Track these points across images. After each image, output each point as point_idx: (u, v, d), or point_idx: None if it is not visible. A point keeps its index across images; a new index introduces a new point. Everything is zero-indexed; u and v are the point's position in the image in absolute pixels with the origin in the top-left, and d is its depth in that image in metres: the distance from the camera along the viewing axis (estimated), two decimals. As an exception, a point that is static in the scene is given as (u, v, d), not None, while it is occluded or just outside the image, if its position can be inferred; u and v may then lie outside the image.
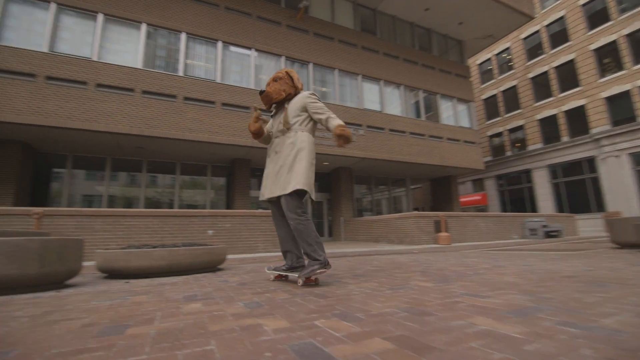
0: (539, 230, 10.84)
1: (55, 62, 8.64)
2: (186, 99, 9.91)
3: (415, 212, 9.87)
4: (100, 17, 9.46)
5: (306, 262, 2.40)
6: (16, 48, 8.36)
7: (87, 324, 1.32)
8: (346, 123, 12.34)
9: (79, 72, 8.80)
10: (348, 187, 14.00)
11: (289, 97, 2.53)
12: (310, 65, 12.46)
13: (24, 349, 1.01)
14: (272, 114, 2.68)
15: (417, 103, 15.01)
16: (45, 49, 8.70)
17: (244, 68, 11.33)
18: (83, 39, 9.31)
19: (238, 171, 11.85)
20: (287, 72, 2.56)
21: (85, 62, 8.96)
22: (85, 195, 11.11)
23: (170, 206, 11.85)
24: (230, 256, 6.07)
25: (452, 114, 15.92)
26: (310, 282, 2.30)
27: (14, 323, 1.35)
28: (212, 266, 3.65)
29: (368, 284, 2.24)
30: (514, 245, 8.18)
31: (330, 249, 7.71)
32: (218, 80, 10.63)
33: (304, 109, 2.46)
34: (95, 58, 9.16)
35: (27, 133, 8.73)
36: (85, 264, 5.14)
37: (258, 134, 2.54)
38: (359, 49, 13.73)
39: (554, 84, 19.07)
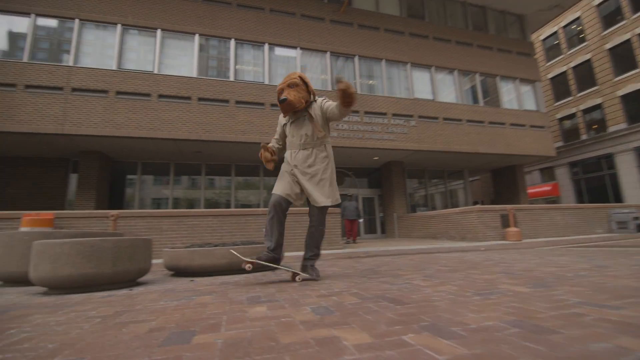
0: (629, 223, 9.33)
1: (123, 78, 9.47)
2: (237, 102, 10.24)
3: (478, 206, 9.06)
4: (159, 33, 10.16)
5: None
6: (92, 68, 9.32)
7: (154, 328, 1.25)
8: (396, 115, 11.83)
9: (143, 85, 9.55)
10: (400, 181, 13.42)
11: (307, 105, 2.52)
12: (356, 59, 12.14)
13: (92, 357, 0.95)
14: (289, 121, 2.61)
15: (473, 88, 13.85)
16: (114, 67, 9.58)
17: (290, 68, 11.39)
18: (145, 55, 10.08)
19: (289, 170, 11.97)
20: (301, 78, 2.49)
21: (148, 76, 9.69)
22: (154, 199, 12.09)
23: (228, 206, 12.39)
24: (286, 254, 6.10)
25: (515, 96, 14.43)
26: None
27: (86, 325, 1.34)
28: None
29: (445, 287, 1.95)
30: (601, 240, 7.08)
31: (386, 246, 7.38)
32: (266, 82, 10.82)
33: (325, 116, 2.52)
34: (156, 71, 9.87)
35: (102, 144, 9.71)
36: (155, 261, 5.52)
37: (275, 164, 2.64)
38: (407, 36, 13.05)
39: (639, 53, 16.32)
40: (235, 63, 10.76)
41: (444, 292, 1.82)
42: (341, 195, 13.83)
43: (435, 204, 15.26)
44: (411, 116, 12.14)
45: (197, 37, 10.49)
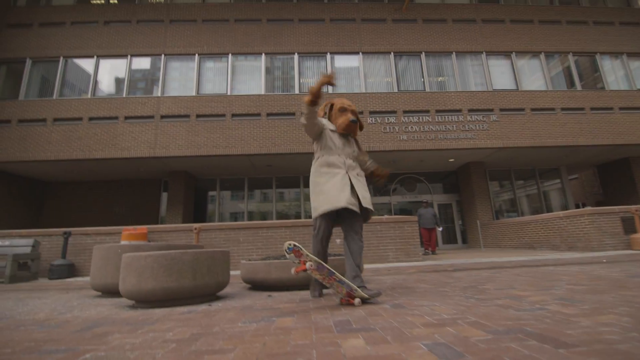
0: None
1: (202, 102, 10.31)
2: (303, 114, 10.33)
3: (590, 208, 7.49)
4: (230, 58, 10.89)
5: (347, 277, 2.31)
6: (176, 96, 10.36)
7: (231, 364, 1.01)
8: (473, 110, 10.73)
9: (218, 107, 10.27)
10: (482, 184, 12.01)
11: None
12: (422, 55, 11.39)
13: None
14: (336, 135, 2.54)
15: (567, 70, 11.89)
16: (194, 93, 10.50)
17: (352, 77, 11.17)
18: (219, 79, 10.87)
19: (357, 178, 11.63)
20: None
21: (222, 98, 10.39)
22: (231, 213, 12.83)
23: (298, 217, 12.51)
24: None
25: (623, 74, 11.97)
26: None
27: (160, 352, 1.15)
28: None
29: (608, 318, 1.38)
30: None
31: (474, 257, 6.46)
32: (330, 91, 10.76)
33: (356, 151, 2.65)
34: (229, 92, 10.55)
35: (187, 164, 10.63)
36: (233, 273, 5.64)
37: (317, 101, 2.29)
38: (479, 24, 11.86)
39: None
40: (300, 77, 10.95)
41: (613, 325, 1.26)
42: (415, 202, 13.05)
43: (524, 208, 13.30)
44: (491, 110, 10.85)
45: (263, 56, 10.98)
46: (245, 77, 10.99)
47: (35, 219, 12.01)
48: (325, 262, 2.43)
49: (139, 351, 1.21)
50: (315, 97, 2.24)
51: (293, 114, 10.32)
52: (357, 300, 2.04)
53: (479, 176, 12.07)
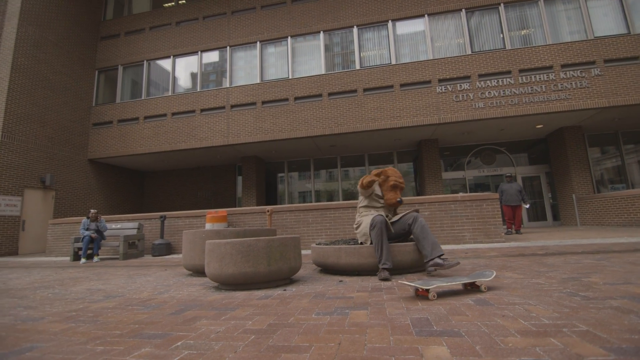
0: None
1: (265, 88, 10.63)
2: (365, 90, 9.96)
3: None
4: (289, 40, 10.92)
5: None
6: (243, 86, 10.86)
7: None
8: (567, 65, 9.14)
9: (281, 91, 10.48)
10: (580, 152, 10.29)
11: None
12: (501, 7, 9.90)
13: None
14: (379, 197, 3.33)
15: None
16: (258, 80, 10.87)
17: (417, 44, 10.28)
18: (280, 64, 11.03)
19: (425, 153, 10.95)
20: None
21: (285, 82, 10.56)
22: (299, 192, 13.31)
23: (364, 196, 12.39)
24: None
25: None
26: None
27: (240, 345, 1.20)
28: (421, 264, 3.10)
29: None
30: None
31: (570, 238, 5.61)
32: (393, 62, 10.12)
33: None
34: (290, 76, 10.66)
35: (256, 149, 11.22)
36: (305, 252, 5.87)
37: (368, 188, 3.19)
38: (577, -42, 9.76)
39: None
40: (360, 51, 10.49)
41: None
42: (495, 176, 11.84)
43: (635, 178, 11.04)
44: (592, 63, 9.05)
45: (321, 34, 10.75)
46: (305, 57, 10.94)
47: (139, 204, 14.10)
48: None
49: (222, 342, 1.28)
50: (367, 187, 3.10)
51: (355, 91, 10.02)
52: (431, 294, 1.91)
53: (575, 143, 10.34)
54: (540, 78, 9.12)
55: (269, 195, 13.28)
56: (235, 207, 13.18)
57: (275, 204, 13.19)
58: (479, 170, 11.93)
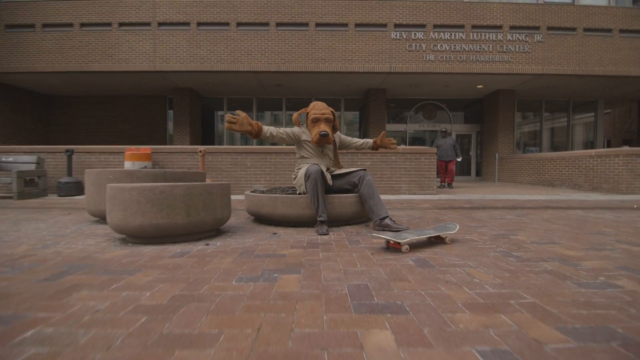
0: None
1: (202, 6, 9.01)
2: (318, 25, 9.06)
3: (627, 148, 6.81)
4: (232, -51, 9.15)
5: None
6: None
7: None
8: (515, 27, 9.29)
9: (221, 13, 9.00)
10: (508, 115, 11.09)
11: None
12: (465, -47, 9.37)
13: None
14: (307, 139, 2.95)
15: (639, -21, 9.81)
16: (193, -5, 9.14)
17: (379, -25, 9.42)
18: (221, -23, 9.33)
19: (373, 103, 10.79)
20: (332, 114, 2.90)
21: (226, 2, 9.04)
22: (243, 135, 12.44)
23: (308, 143, 12.09)
24: None
25: None
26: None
27: (120, 335, 0.87)
28: (361, 217, 2.99)
29: None
30: None
31: (491, 193, 6.12)
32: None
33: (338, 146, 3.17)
34: (232, -5, 9.14)
35: (191, 79, 9.85)
36: (238, 197, 5.53)
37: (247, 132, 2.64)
38: None
39: None
40: (315, -23, 9.29)
41: None
42: (433, 131, 12.33)
43: (545, 142, 12.46)
44: (537, 28, 9.32)
45: (272, -52, 9.18)
46: (252, -24, 9.39)
47: (43, 134, 11.89)
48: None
49: (95, 330, 0.92)
50: (241, 130, 2.52)
51: (306, 24, 9.05)
52: (404, 247, 1.88)
53: (506, 106, 11.06)
54: (489, 37, 9.18)
55: (207, 135, 12.20)
56: (166, 145, 11.90)
57: (213, 144, 12.22)
58: (420, 125, 12.28)
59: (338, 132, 3.09)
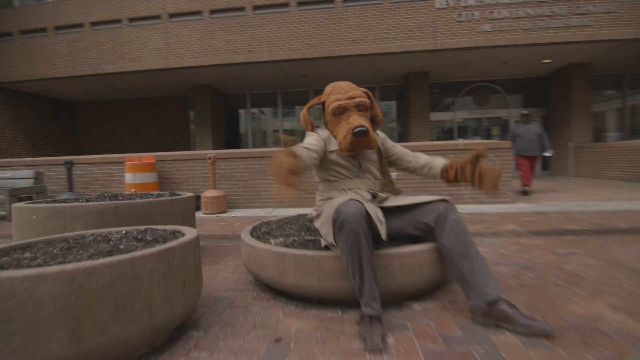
0: None
1: (215, -8, 8.03)
2: (346, 0, 7.72)
3: None
4: None
5: None
6: (183, -13, 8.15)
7: None
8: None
9: (236, -3, 7.97)
10: (583, 95, 9.04)
11: None
12: None
13: None
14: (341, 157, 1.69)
15: None
16: (205, -20, 8.18)
17: None
18: (234, -44, 8.27)
19: (413, 89, 9.25)
20: (368, 95, 1.61)
21: (240, -16, 7.98)
22: (264, 132, 11.46)
23: (340, 139, 10.81)
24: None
25: None
26: None
27: None
28: (439, 285, 1.70)
29: None
30: None
31: (575, 198, 4.46)
32: (383, -37, 7.76)
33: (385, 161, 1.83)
34: (248, -24, 8.05)
35: (207, 75, 8.95)
36: (251, 213, 4.43)
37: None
38: None
39: None
40: (341, -55, 7.93)
41: None
42: (491, 119, 10.41)
43: (626, 127, 10.12)
44: (628, -22, 7.27)
45: None
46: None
47: (72, 143, 11.71)
48: None
49: None
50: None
51: (332, 0, 7.74)
52: None
53: (582, 83, 9.01)
54: (562, -4, 7.30)
55: (232, 135, 11.35)
56: (189, 148, 11.23)
57: (239, 146, 11.35)
58: (469, 112, 10.52)
59: (381, 133, 1.78)
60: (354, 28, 7.64)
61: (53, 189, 5.67)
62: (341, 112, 1.52)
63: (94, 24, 8.47)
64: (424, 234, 1.52)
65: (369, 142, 1.47)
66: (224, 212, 4.84)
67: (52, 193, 5.64)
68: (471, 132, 10.59)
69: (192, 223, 2.41)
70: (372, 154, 1.66)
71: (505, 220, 3.50)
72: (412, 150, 1.81)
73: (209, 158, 4.91)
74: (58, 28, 8.63)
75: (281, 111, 10.95)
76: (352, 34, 7.64)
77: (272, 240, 1.76)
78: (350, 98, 1.51)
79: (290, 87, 10.57)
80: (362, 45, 7.63)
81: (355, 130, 1.42)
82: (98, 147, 11.67)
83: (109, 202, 1.91)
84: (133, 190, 4.91)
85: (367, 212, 1.30)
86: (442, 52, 7.66)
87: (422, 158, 1.72)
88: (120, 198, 2.26)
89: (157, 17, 8.21)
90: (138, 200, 2.00)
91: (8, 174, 5.36)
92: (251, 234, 1.90)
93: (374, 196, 1.60)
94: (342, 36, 7.65)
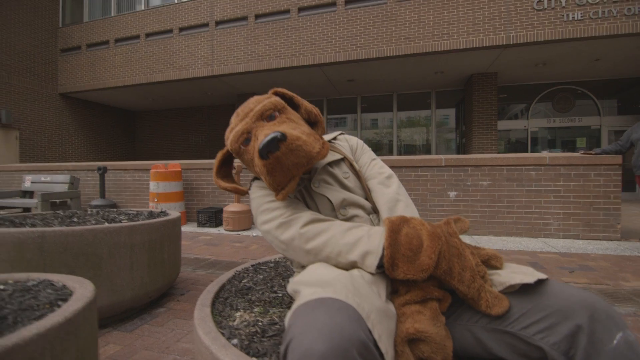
0: None
1: (261, -4, 7.77)
2: None
3: None
4: None
5: None
6: (230, -7, 8.04)
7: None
8: None
9: (281, 0, 7.60)
10: None
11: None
12: None
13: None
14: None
15: None
16: (251, -15, 7.98)
17: None
18: (281, -41, 7.96)
19: (477, 93, 8.00)
20: (283, 95, 0.96)
21: (285, -14, 7.62)
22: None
23: (390, 149, 9.87)
24: (493, 239, 2.99)
25: None
26: None
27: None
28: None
29: None
30: None
31: None
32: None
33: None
34: (294, -22, 7.66)
35: (250, 83, 8.70)
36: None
37: None
38: None
39: None
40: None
41: None
42: (576, 127, 8.57)
43: None
44: None
45: None
46: (317, -49, 7.78)
47: (130, 149, 12.39)
48: None
49: None
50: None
51: (384, -4, 6.98)
52: None
53: None
54: (687, -32, 5.65)
55: (273, 144, 11.02)
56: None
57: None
58: (548, 120, 8.85)
59: (353, 138, 1.09)
60: (408, 24, 6.75)
61: (89, 194, 5.63)
62: (247, 142, 0.85)
63: (148, 35, 8.75)
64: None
65: (303, 152, 0.75)
66: (247, 229, 4.25)
67: (87, 199, 5.60)
68: (549, 144, 8.89)
69: (170, 260, 1.77)
70: (337, 169, 0.92)
71: (622, 270, 2.34)
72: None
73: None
74: (118, 40, 9.09)
75: (326, 119, 10.34)
76: (405, 30, 6.76)
77: (236, 315, 1.01)
78: (246, 115, 0.86)
79: (337, 94, 9.95)
80: (417, 43, 6.70)
81: (260, 147, 0.71)
82: (154, 154, 12.16)
83: (31, 229, 1.32)
84: (155, 200, 4.56)
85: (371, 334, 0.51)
86: (516, 48, 6.41)
87: (387, 196, 0.90)
88: (75, 220, 1.70)
89: (205, 25, 8.19)
90: (77, 228, 1.39)
91: (48, 178, 5.41)
92: (218, 294, 1.16)
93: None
94: (393, 34, 6.81)
